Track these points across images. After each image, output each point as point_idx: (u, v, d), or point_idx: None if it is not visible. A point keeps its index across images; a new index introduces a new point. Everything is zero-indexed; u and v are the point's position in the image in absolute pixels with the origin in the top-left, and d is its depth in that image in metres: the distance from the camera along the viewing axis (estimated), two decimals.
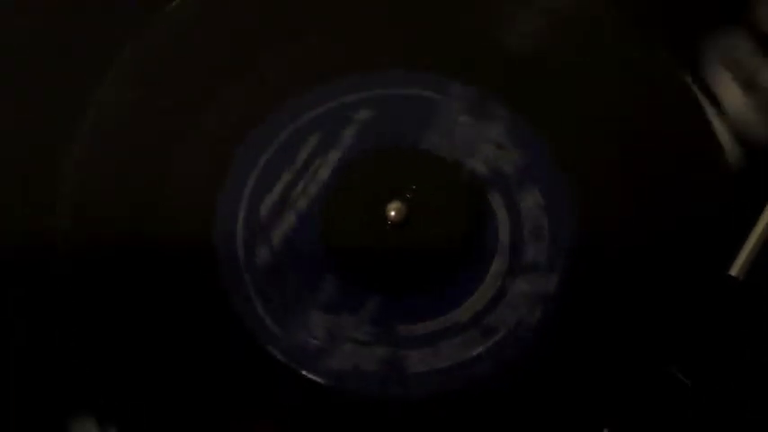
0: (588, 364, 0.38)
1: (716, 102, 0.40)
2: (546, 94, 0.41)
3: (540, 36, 0.42)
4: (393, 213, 0.39)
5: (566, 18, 0.42)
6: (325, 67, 0.41)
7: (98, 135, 0.40)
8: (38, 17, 0.41)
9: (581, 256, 0.39)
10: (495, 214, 0.39)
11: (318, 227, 0.39)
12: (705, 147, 0.40)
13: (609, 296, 0.38)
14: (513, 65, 0.41)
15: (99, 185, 0.39)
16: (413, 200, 0.39)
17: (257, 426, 0.38)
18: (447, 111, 0.41)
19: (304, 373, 0.38)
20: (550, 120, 0.40)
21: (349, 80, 0.41)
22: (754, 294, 0.38)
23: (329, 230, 0.39)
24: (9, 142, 0.40)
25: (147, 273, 0.38)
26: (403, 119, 0.40)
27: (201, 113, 0.40)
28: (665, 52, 0.41)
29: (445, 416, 0.37)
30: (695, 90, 0.40)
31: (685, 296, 0.38)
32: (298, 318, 0.38)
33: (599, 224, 0.39)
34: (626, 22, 0.41)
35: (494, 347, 0.38)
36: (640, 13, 0.41)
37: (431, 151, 0.40)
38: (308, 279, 0.39)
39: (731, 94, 0.40)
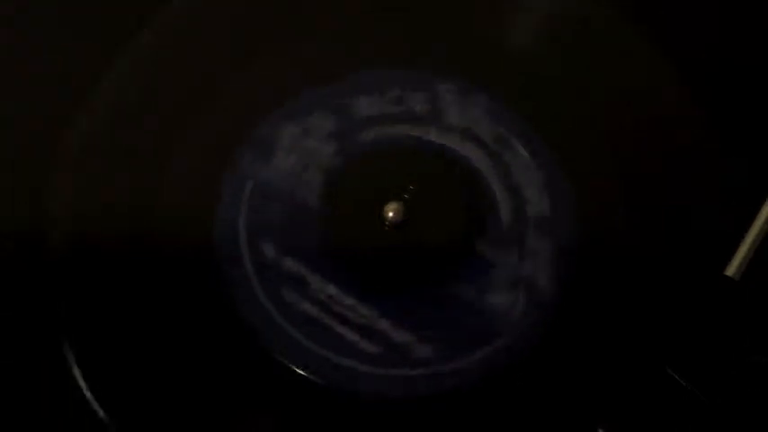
0: (582, 363, 0.38)
1: None
2: (538, 87, 0.41)
3: (529, 30, 0.42)
4: (391, 214, 0.39)
5: (554, 13, 0.42)
6: (321, 69, 0.41)
7: (98, 135, 0.40)
8: (38, 17, 0.41)
9: (579, 252, 0.39)
10: (491, 205, 0.40)
11: (318, 230, 0.39)
12: (700, 142, 0.40)
13: (604, 298, 0.39)
14: (504, 59, 0.41)
15: (99, 186, 0.39)
16: (410, 199, 0.39)
17: (260, 426, 0.38)
18: (441, 107, 0.41)
19: (307, 374, 0.38)
20: (544, 112, 0.41)
21: (344, 81, 0.41)
22: (750, 295, 0.38)
23: (329, 236, 0.39)
24: (9, 142, 0.40)
25: (147, 273, 0.38)
26: (397, 118, 0.40)
27: (201, 114, 0.40)
28: (656, 47, 0.41)
29: (448, 414, 0.38)
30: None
31: (681, 297, 0.38)
32: (299, 320, 0.38)
33: (596, 219, 0.39)
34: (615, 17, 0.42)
35: (499, 345, 0.38)
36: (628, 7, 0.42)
37: (421, 149, 0.40)
38: (309, 281, 0.39)
39: None
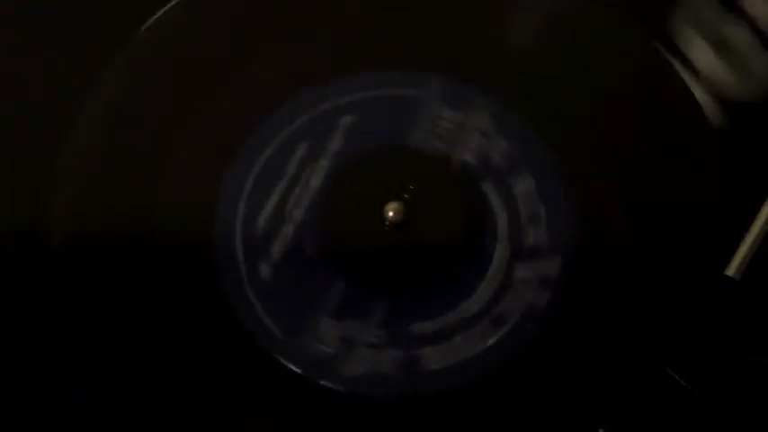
0: (583, 363, 0.38)
1: (691, 66, 0.40)
2: (537, 87, 0.41)
3: (529, 30, 0.42)
4: (391, 214, 0.39)
5: (554, 13, 0.42)
6: (321, 69, 0.41)
7: (98, 135, 0.40)
8: (38, 16, 0.41)
9: (578, 252, 0.39)
10: (490, 204, 0.40)
11: (317, 234, 0.39)
12: (700, 142, 0.40)
13: (604, 298, 0.39)
14: (504, 59, 0.41)
15: (99, 186, 0.39)
16: (409, 198, 0.39)
17: (260, 427, 0.38)
18: (429, 106, 0.41)
19: (321, 382, 0.38)
20: (535, 106, 0.40)
21: (344, 82, 0.41)
22: (750, 295, 0.38)
23: (329, 237, 0.39)
24: (8, 142, 0.40)
25: (147, 274, 0.38)
26: (387, 119, 0.40)
27: (201, 114, 0.40)
28: (652, 38, 0.41)
29: (448, 414, 0.38)
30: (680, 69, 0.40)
31: (681, 297, 0.38)
32: (307, 327, 0.38)
33: (596, 219, 0.39)
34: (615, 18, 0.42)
35: (504, 338, 0.38)
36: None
37: (419, 148, 0.40)
38: (313, 287, 0.39)
39: (704, 55, 0.40)
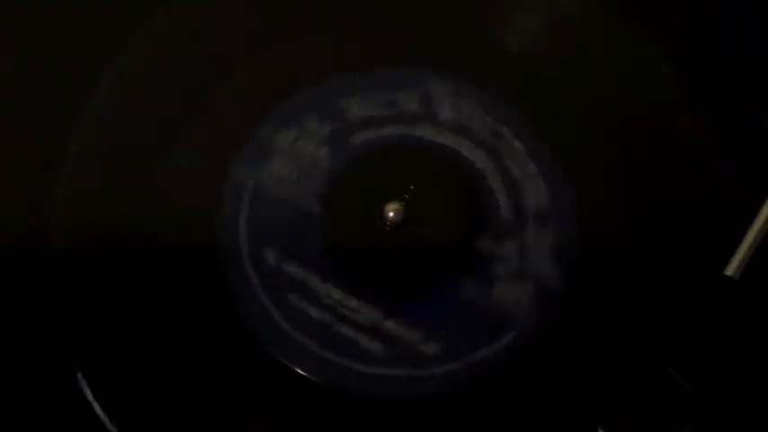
0: (583, 363, 0.38)
1: None
2: (537, 86, 0.41)
3: (529, 30, 0.42)
4: (392, 215, 0.39)
5: (554, 13, 0.42)
6: (321, 69, 0.41)
7: (98, 135, 0.40)
8: (38, 16, 0.41)
9: (578, 252, 0.39)
10: (490, 202, 0.40)
11: (318, 235, 0.39)
12: (700, 142, 0.40)
13: (604, 297, 0.39)
14: (503, 58, 0.41)
15: (99, 186, 0.39)
16: (410, 199, 0.39)
17: (264, 429, 0.38)
18: (440, 107, 0.41)
19: (324, 383, 0.38)
20: (543, 112, 0.41)
21: (344, 82, 0.41)
22: (750, 295, 0.38)
23: (330, 238, 0.39)
24: (8, 142, 0.40)
25: (147, 274, 0.38)
26: (383, 120, 0.40)
27: (201, 114, 0.40)
28: (654, 46, 0.41)
29: (449, 414, 0.38)
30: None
31: (681, 297, 0.38)
32: (309, 328, 0.38)
33: (596, 219, 0.39)
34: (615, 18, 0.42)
35: (498, 344, 0.38)
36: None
37: (419, 148, 0.40)
38: (314, 288, 0.39)
39: None
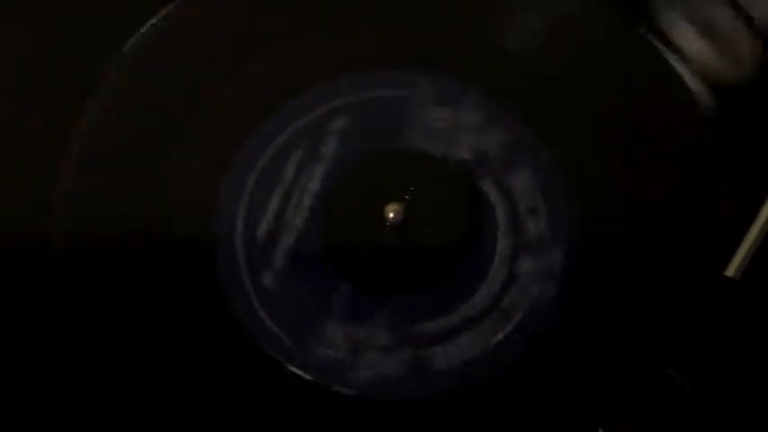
0: (582, 363, 0.38)
1: (677, 50, 0.40)
2: (537, 87, 0.41)
3: (529, 30, 0.42)
4: (392, 215, 0.39)
5: (554, 13, 0.42)
6: (321, 69, 0.41)
7: (98, 134, 0.40)
8: (37, 16, 0.41)
9: (578, 252, 0.39)
10: (489, 200, 0.40)
11: (319, 238, 0.39)
12: (700, 142, 0.40)
13: (603, 297, 0.39)
14: (503, 58, 0.41)
15: (99, 186, 0.39)
16: (410, 200, 0.39)
17: (260, 428, 0.38)
18: (425, 105, 0.41)
19: (329, 386, 0.38)
20: (529, 101, 0.40)
21: (344, 82, 0.41)
22: (750, 295, 0.38)
23: (330, 241, 0.39)
24: (8, 142, 0.40)
25: (147, 274, 0.38)
26: (380, 121, 0.40)
27: (201, 114, 0.40)
28: (641, 27, 0.41)
29: (448, 414, 0.38)
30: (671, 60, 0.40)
31: (681, 297, 0.38)
32: (312, 331, 0.38)
33: (596, 219, 0.39)
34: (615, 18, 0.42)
35: (506, 337, 0.38)
36: None
37: (416, 149, 0.40)
38: (316, 291, 0.39)
39: (690, 39, 0.40)
